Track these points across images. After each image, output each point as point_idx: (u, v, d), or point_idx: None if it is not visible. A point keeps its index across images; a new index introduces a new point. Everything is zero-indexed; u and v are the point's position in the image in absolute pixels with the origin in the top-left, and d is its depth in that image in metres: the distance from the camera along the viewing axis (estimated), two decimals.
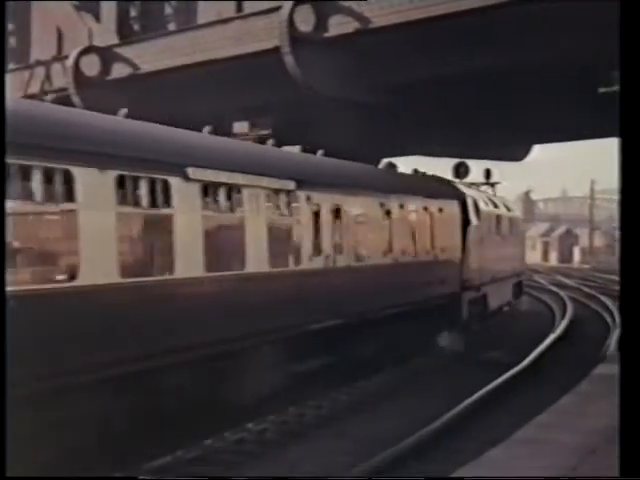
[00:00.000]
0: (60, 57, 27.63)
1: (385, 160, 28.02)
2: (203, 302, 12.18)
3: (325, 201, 15.59)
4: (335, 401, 15.18)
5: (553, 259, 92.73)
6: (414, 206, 19.98)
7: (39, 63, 27.36)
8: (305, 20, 20.77)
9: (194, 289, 11.97)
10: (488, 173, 35.77)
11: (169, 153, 11.94)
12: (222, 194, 12.57)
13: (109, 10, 27.61)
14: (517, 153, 37.19)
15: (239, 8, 23.96)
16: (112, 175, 10.29)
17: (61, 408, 9.55)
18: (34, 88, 26.53)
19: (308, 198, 14.87)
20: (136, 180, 10.75)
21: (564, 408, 12.10)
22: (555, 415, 11.58)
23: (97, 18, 27.97)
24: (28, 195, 9.23)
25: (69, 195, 9.68)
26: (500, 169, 37.25)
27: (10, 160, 8.61)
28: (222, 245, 12.86)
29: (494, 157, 36.26)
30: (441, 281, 21.59)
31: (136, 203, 10.83)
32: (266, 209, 13.65)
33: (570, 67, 20.60)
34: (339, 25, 20.44)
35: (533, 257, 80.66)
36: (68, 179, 9.65)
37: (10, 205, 8.67)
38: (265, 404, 13.43)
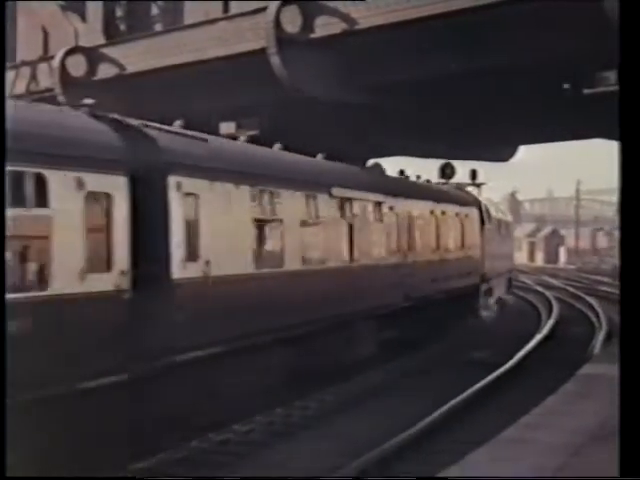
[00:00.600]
0: (46, 57, 27.55)
1: (371, 161, 28.10)
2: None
3: (400, 208, 20.55)
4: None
5: (539, 259, 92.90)
6: (452, 212, 25.02)
7: (25, 63, 27.28)
8: (292, 21, 20.76)
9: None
10: (474, 174, 35.85)
11: (321, 178, 17.06)
12: (348, 206, 17.53)
13: (95, 10, 27.54)
14: (503, 154, 37.25)
15: (225, 9, 23.94)
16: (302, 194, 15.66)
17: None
18: (20, 88, 26.45)
19: (391, 208, 19.84)
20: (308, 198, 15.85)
21: (550, 408, 12.14)
22: (540, 415, 11.61)
23: (83, 18, 27.90)
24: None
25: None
26: (486, 170, 37.40)
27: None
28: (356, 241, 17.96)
29: (480, 158, 36.32)
30: (468, 273, 26.26)
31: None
32: (370, 216, 18.72)
33: (556, 68, 20.65)
34: (325, 26, 20.44)
35: (519, 257, 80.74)
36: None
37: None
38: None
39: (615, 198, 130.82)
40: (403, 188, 21.91)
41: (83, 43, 26.70)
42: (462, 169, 35.13)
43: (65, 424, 9.61)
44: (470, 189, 34.81)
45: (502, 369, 18.22)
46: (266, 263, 14.32)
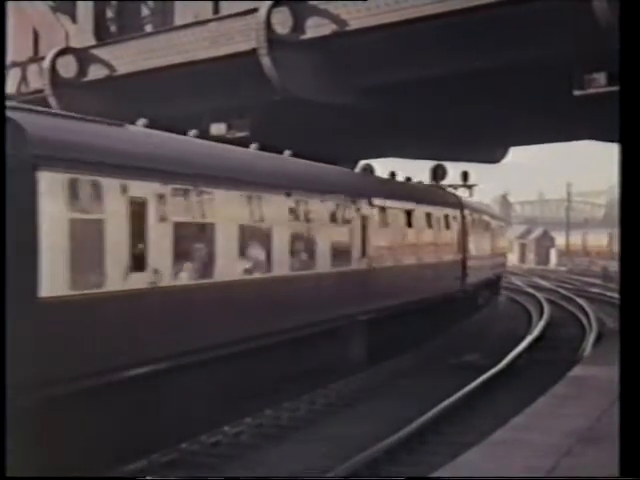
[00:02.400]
0: (36, 58, 27.48)
1: (362, 162, 28.10)
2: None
3: (425, 213, 24.61)
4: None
5: (530, 261, 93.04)
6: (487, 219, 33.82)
7: (15, 64, 27.20)
8: (282, 22, 20.72)
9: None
10: (465, 175, 35.91)
11: (364, 189, 20.64)
12: (385, 214, 21.26)
13: (85, 11, 27.47)
14: (494, 155, 37.27)
15: (216, 10, 23.90)
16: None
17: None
18: (10, 89, 26.37)
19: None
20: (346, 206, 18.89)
21: (540, 410, 12.15)
22: (531, 417, 11.62)
23: (73, 19, 27.82)
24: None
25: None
26: (477, 171, 37.39)
27: None
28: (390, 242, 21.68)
29: (471, 159, 36.34)
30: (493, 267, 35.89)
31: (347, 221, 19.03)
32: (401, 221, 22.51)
33: (546, 69, 20.66)
34: (316, 27, 20.40)
35: (510, 259, 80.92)
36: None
37: None
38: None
39: (604, 200, 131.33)
40: (422, 196, 25.83)
41: (73, 44, 26.63)
42: (453, 171, 35.22)
43: None
44: (462, 191, 34.96)
45: (492, 371, 18.25)
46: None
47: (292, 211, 16.29)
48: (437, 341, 23.96)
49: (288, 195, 16.06)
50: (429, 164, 34.28)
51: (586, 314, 31.10)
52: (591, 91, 19.34)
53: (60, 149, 10.65)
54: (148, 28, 27.06)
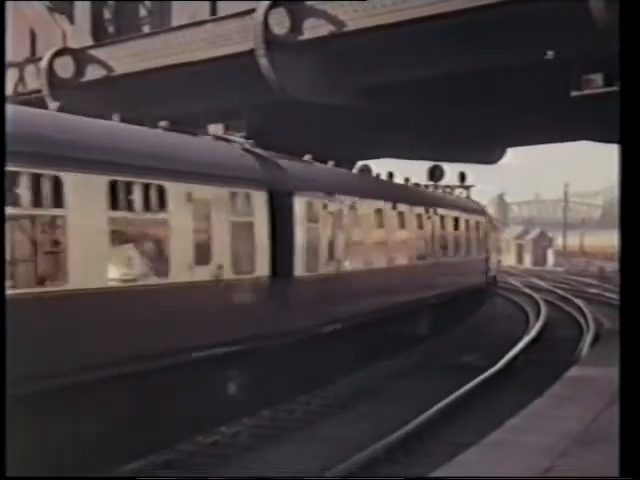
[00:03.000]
0: (34, 59, 27.50)
1: (360, 163, 28.12)
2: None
3: (462, 219, 28.47)
4: None
5: (527, 262, 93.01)
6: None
7: (12, 65, 27.21)
8: (280, 23, 20.74)
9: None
10: (463, 176, 35.90)
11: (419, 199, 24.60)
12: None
13: (83, 12, 27.49)
14: (491, 156, 37.30)
15: (213, 10, 23.92)
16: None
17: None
18: (7, 90, 26.37)
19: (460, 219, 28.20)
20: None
21: (536, 411, 12.15)
22: (527, 418, 11.62)
23: (71, 20, 27.85)
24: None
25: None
26: (474, 172, 37.40)
27: None
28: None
29: (468, 160, 36.37)
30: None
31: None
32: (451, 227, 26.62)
33: (543, 70, 20.68)
34: (313, 28, 20.43)
35: (507, 260, 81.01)
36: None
37: None
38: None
39: (601, 201, 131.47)
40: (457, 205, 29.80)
41: (71, 44, 26.65)
42: (450, 171, 35.23)
43: None
44: (459, 191, 34.98)
45: (489, 372, 18.26)
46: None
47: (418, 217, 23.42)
48: (436, 341, 23.93)
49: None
50: (426, 164, 34.32)
51: (583, 314, 31.09)
52: (588, 92, 19.36)
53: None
54: (146, 29, 27.09)
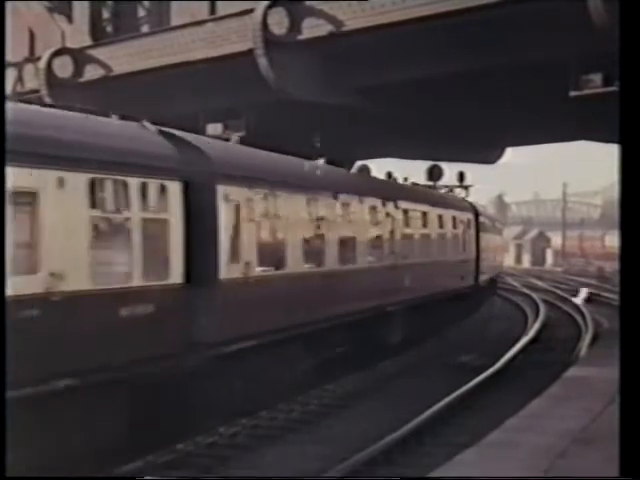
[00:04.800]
0: (32, 58, 27.46)
1: (359, 163, 28.09)
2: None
3: (461, 219, 29.21)
4: None
5: (526, 262, 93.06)
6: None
7: (11, 64, 27.18)
8: (279, 23, 20.72)
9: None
10: (461, 176, 35.93)
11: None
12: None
13: (82, 11, 27.44)
14: (490, 156, 37.30)
15: (212, 10, 23.90)
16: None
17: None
18: (5, 89, 26.34)
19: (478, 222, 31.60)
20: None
21: (535, 411, 12.15)
22: (526, 418, 11.62)
23: (70, 19, 27.80)
24: None
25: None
26: (473, 172, 37.40)
27: None
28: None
29: (467, 160, 36.36)
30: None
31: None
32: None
33: (543, 70, 20.68)
34: (312, 28, 20.41)
35: (506, 260, 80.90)
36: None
37: None
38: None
39: (600, 200, 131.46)
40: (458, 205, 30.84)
41: (70, 44, 26.61)
42: (449, 171, 35.23)
43: None
44: (458, 191, 35.00)
45: (488, 372, 18.26)
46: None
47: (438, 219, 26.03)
48: (434, 341, 23.94)
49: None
50: (426, 164, 34.30)
51: (582, 314, 31.10)
52: (587, 92, 19.36)
53: None
54: (144, 28, 27.05)
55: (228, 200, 13.46)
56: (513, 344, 22.82)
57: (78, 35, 26.96)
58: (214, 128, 24.17)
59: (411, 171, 29.67)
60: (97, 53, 25.54)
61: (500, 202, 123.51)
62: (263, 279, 14.55)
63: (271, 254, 15.00)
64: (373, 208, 20.33)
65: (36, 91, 25.64)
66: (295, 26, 20.61)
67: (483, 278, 31.98)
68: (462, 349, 22.88)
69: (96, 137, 11.41)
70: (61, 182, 10.06)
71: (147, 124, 13.09)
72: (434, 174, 33.97)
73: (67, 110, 11.70)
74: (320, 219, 17.07)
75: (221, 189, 13.26)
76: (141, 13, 27.97)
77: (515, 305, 37.69)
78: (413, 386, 17.50)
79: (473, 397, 16.08)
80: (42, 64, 25.86)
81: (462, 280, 28.58)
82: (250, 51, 21.02)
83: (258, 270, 14.36)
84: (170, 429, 11.80)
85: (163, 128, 13.19)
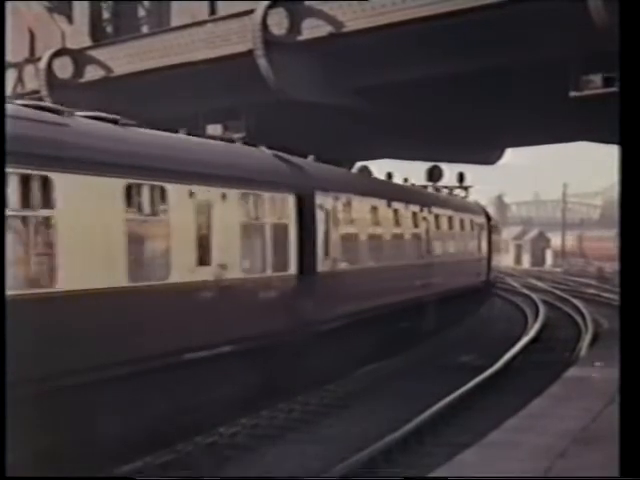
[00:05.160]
0: (32, 59, 27.48)
1: (359, 164, 28.12)
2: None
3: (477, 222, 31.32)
4: None
5: (525, 262, 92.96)
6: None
7: (11, 65, 27.19)
8: (278, 23, 20.74)
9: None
10: (461, 177, 35.93)
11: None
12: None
13: (82, 12, 27.47)
14: (489, 156, 37.32)
15: (212, 11, 23.91)
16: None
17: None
18: (5, 90, 26.36)
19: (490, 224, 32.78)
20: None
21: (535, 411, 12.16)
22: (526, 418, 11.63)
23: (70, 20, 27.83)
24: None
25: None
26: (473, 172, 37.43)
27: None
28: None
29: (467, 160, 36.37)
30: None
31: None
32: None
33: (542, 71, 20.70)
34: (312, 29, 20.42)
35: (506, 260, 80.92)
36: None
37: None
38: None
39: (600, 201, 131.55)
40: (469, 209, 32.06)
41: (70, 45, 26.63)
42: (449, 172, 35.25)
43: None
44: (458, 192, 35.03)
45: (489, 372, 18.27)
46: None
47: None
48: (433, 341, 23.95)
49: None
50: (426, 165, 34.31)
51: (582, 315, 31.09)
52: (587, 93, 19.36)
53: None
54: (144, 29, 27.09)
55: (322, 209, 16.66)
56: (513, 344, 22.81)
57: (78, 36, 26.99)
58: (214, 129, 24.19)
59: (411, 172, 29.69)
60: (97, 54, 25.56)
61: (500, 202, 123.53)
62: (343, 272, 17.94)
63: (347, 251, 18.35)
64: (414, 214, 23.41)
65: (36, 92, 25.65)
66: (295, 27, 20.62)
67: (493, 274, 34.65)
68: (462, 349, 22.89)
69: (241, 160, 15.02)
70: (224, 196, 13.21)
71: (264, 148, 16.20)
72: (434, 175, 33.99)
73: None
74: (378, 224, 20.34)
75: (318, 199, 16.50)
76: (141, 13, 28.01)
77: (515, 306, 37.66)
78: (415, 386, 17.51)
79: (473, 397, 16.07)
80: (42, 65, 25.88)
81: (478, 276, 31.48)
82: (250, 52, 21.03)
83: (342, 265, 17.86)
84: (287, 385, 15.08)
85: (275, 151, 16.13)
